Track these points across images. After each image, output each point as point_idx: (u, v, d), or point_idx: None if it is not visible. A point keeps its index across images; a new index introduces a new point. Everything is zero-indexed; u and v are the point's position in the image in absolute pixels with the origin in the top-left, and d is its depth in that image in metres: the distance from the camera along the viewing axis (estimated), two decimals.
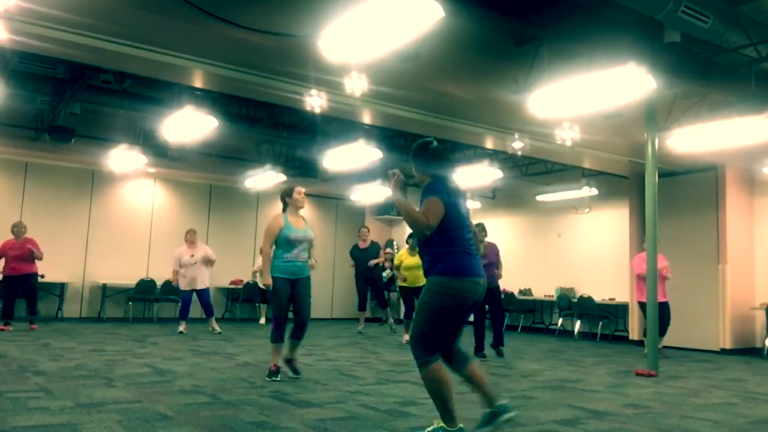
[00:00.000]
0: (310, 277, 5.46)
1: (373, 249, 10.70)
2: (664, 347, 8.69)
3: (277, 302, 5.25)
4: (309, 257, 5.51)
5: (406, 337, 8.83)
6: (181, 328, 9.44)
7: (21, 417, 3.52)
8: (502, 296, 9.30)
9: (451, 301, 3.17)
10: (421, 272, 8.64)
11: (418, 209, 3.27)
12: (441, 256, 3.22)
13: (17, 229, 9.09)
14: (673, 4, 4.72)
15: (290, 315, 5.38)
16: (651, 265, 6.73)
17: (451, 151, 3.51)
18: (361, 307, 10.79)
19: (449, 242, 3.23)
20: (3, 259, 9.02)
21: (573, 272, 11.82)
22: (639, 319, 9.67)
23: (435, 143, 3.49)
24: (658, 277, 7.25)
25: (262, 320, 12.40)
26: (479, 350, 7.75)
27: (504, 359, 7.52)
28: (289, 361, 5.46)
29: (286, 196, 5.49)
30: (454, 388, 3.21)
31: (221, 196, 13.21)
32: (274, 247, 5.32)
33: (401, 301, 9.21)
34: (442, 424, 3.16)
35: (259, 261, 12.54)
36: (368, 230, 10.88)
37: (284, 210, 5.46)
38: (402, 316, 9.31)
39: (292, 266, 5.30)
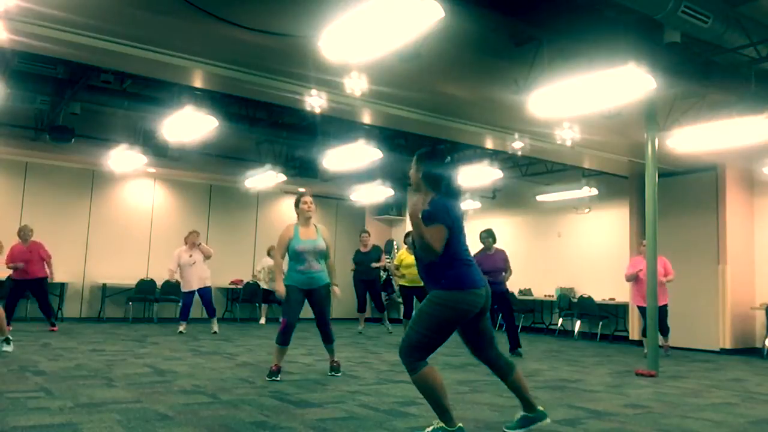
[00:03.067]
0: (329, 284, 5.50)
1: (375, 253, 10.79)
2: (669, 347, 8.68)
3: (289, 309, 5.31)
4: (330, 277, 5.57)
5: None
6: (181, 328, 9.44)
7: (21, 417, 3.52)
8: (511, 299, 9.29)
9: (455, 315, 3.17)
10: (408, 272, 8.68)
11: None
12: (444, 269, 3.20)
13: (23, 233, 9.06)
14: (673, 4, 4.72)
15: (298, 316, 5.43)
16: (651, 265, 6.72)
17: (446, 157, 3.44)
18: (361, 308, 10.84)
19: (452, 257, 3.21)
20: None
21: (573, 272, 11.81)
22: (638, 319, 9.67)
23: (449, 158, 3.41)
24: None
25: (263, 320, 12.40)
26: None
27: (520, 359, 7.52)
28: (331, 361, 5.68)
29: (295, 205, 5.54)
30: (453, 389, 3.21)
31: (221, 196, 13.21)
32: (287, 257, 5.37)
33: (401, 300, 9.22)
34: (441, 425, 3.16)
35: (261, 263, 12.56)
36: (369, 235, 10.99)
37: (298, 219, 5.50)
38: (401, 316, 9.31)
39: (306, 278, 5.34)
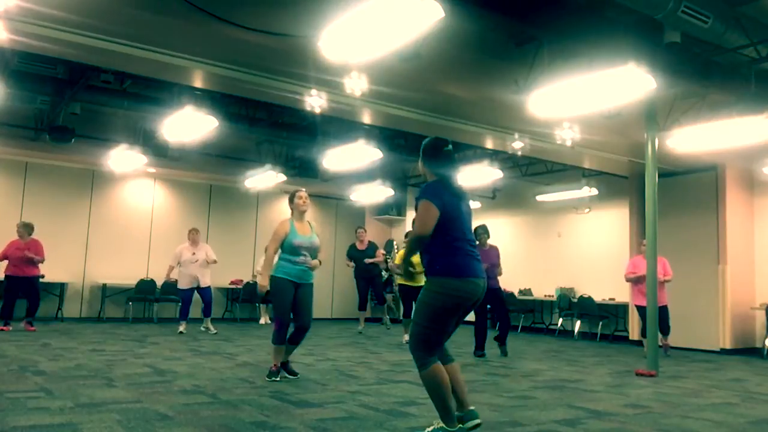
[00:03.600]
0: (313, 284, 5.45)
1: (371, 250, 10.76)
2: (669, 346, 8.68)
3: (280, 303, 5.25)
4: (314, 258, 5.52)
5: (406, 337, 8.82)
6: (181, 328, 9.44)
7: (21, 417, 3.52)
8: (504, 296, 9.28)
9: (450, 301, 3.17)
10: (421, 271, 8.69)
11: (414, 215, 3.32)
12: (439, 257, 3.22)
13: (22, 229, 9.07)
14: (673, 4, 4.72)
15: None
16: (651, 265, 6.73)
17: (455, 153, 3.50)
18: (362, 307, 10.82)
19: (447, 243, 3.22)
20: (5, 260, 9.00)
21: (573, 272, 11.82)
22: (638, 319, 9.67)
23: (449, 146, 3.47)
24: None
25: (262, 320, 12.39)
26: (479, 350, 7.75)
27: (504, 359, 7.52)
28: (284, 365, 5.44)
29: (290, 200, 5.52)
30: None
31: (221, 196, 13.21)
32: (279, 251, 5.33)
33: (399, 301, 9.22)
34: (441, 425, 3.16)
35: (260, 262, 12.52)
36: (365, 231, 10.94)
37: (292, 214, 5.48)
38: (401, 316, 9.31)
39: (299, 270, 5.30)
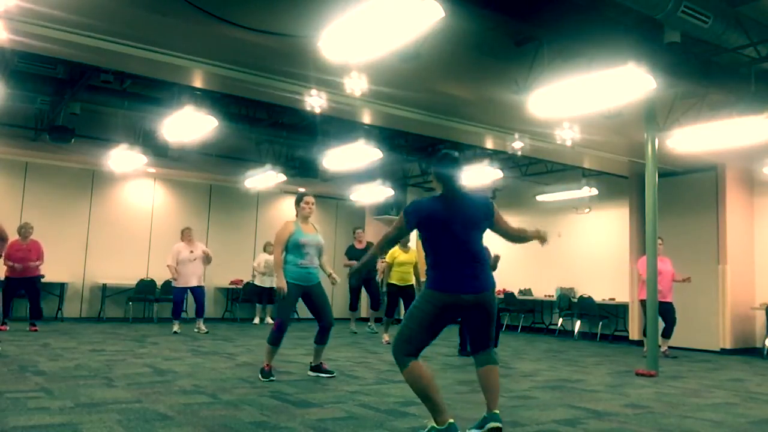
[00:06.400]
0: (321, 282, 5.48)
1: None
2: (669, 348, 8.66)
3: (286, 307, 5.27)
4: (323, 269, 5.58)
5: (386, 337, 8.83)
6: (176, 327, 9.40)
7: (21, 417, 3.52)
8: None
9: (433, 311, 3.30)
10: (411, 271, 8.72)
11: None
12: (429, 270, 3.41)
13: (24, 230, 9.07)
14: (673, 4, 4.72)
15: (295, 316, 5.40)
16: (651, 265, 6.73)
17: (455, 161, 3.46)
18: (353, 306, 10.89)
19: (435, 259, 3.37)
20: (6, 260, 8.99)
21: (573, 272, 11.81)
22: (639, 318, 9.67)
23: (451, 154, 3.48)
24: (666, 278, 7.32)
25: (256, 320, 12.34)
26: (464, 349, 7.71)
27: (504, 359, 7.51)
28: (317, 368, 5.56)
29: (296, 203, 5.54)
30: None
31: (221, 196, 13.21)
32: (284, 253, 5.33)
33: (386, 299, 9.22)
34: (433, 424, 3.18)
35: (259, 258, 12.52)
36: (363, 231, 11.14)
37: (296, 216, 5.51)
38: (383, 314, 9.31)
39: (306, 273, 5.32)
